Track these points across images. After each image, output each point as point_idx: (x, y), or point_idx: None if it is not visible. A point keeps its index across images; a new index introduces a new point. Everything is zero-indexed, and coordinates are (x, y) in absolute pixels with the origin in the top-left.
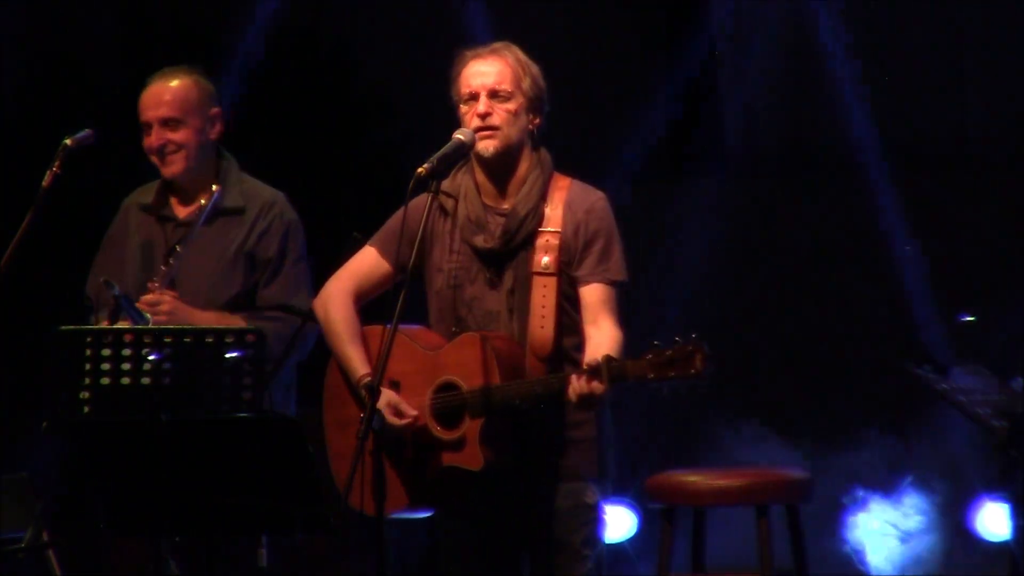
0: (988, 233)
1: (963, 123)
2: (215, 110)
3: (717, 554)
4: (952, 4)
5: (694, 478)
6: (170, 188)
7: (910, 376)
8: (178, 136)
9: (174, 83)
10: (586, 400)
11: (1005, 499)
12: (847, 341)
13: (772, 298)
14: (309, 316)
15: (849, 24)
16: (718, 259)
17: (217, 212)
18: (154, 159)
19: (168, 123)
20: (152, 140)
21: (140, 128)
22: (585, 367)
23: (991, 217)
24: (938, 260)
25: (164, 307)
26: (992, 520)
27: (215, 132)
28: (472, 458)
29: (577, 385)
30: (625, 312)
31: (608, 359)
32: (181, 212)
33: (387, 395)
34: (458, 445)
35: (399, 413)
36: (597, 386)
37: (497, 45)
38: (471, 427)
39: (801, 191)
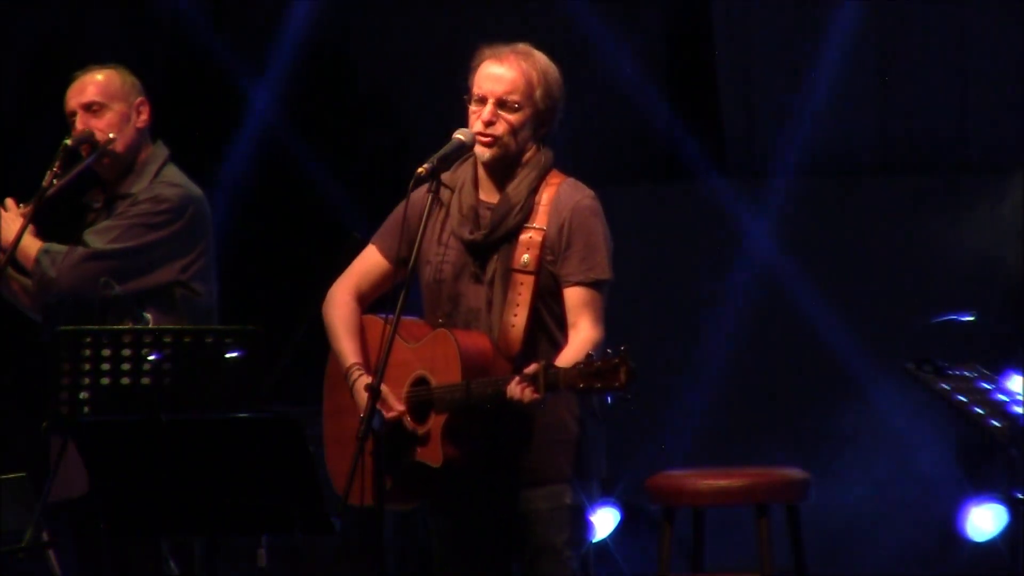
0: (988, 234)
1: (963, 126)
2: (140, 99)
3: (717, 554)
4: (954, 8)
5: (694, 478)
6: (97, 179)
7: (909, 376)
8: (101, 123)
9: (99, 75)
10: (518, 405)
11: (1001, 500)
12: (846, 341)
13: (772, 298)
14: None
15: (851, 26)
16: (717, 259)
17: (116, 197)
18: (84, 148)
19: (91, 108)
20: (78, 126)
21: (67, 124)
22: (524, 374)
23: (991, 218)
24: (938, 260)
25: None
26: (982, 521)
27: (141, 121)
28: (433, 454)
29: (513, 390)
30: (607, 311)
31: (545, 367)
32: (99, 201)
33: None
34: (424, 440)
35: (387, 406)
36: (529, 393)
37: (520, 47)
38: (436, 423)
39: (801, 192)
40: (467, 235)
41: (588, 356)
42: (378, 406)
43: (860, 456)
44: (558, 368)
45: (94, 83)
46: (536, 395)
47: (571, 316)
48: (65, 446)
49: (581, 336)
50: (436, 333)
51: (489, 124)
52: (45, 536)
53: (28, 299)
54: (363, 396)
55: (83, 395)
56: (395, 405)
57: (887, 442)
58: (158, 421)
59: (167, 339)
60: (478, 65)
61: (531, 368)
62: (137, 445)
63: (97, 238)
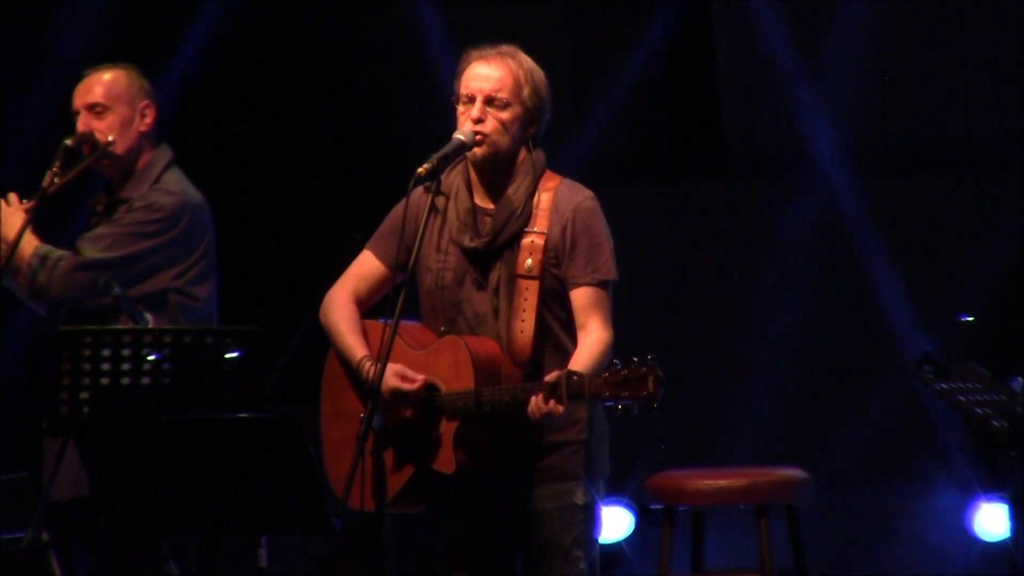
0: (988, 234)
1: (966, 126)
2: (145, 103)
3: (717, 554)
4: (956, 7)
5: (694, 478)
6: (104, 180)
7: (910, 376)
8: (102, 124)
9: (106, 75)
10: (543, 416)
11: (1004, 499)
12: (848, 340)
13: (773, 297)
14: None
15: (853, 25)
16: (717, 258)
17: (117, 201)
18: (85, 148)
19: (94, 109)
20: (79, 126)
21: (74, 121)
22: (546, 383)
23: (992, 219)
24: (938, 260)
25: None
26: (991, 520)
27: (145, 124)
28: (445, 461)
29: (536, 405)
30: (614, 310)
31: (568, 375)
32: (102, 203)
33: (391, 366)
34: (435, 447)
35: (407, 379)
36: (554, 405)
37: (505, 48)
38: (447, 429)
39: (802, 192)
40: (467, 242)
41: (614, 364)
42: (399, 382)
43: (860, 456)
44: (582, 376)
45: (100, 83)
46: (560, 407)
47: (580, 317)
48: (65, 446)
49: (592, 337)
50: (446, 339)
51: (478, 122)
52: (45, 536)
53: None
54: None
55: (83, 395)
56: (414, 376)
57: (887, 442)
58: (158, 421)
59: (167, 339)
60: (465, 67)
61: (552, 376)
62: (137, 445)
63: (90, 246)
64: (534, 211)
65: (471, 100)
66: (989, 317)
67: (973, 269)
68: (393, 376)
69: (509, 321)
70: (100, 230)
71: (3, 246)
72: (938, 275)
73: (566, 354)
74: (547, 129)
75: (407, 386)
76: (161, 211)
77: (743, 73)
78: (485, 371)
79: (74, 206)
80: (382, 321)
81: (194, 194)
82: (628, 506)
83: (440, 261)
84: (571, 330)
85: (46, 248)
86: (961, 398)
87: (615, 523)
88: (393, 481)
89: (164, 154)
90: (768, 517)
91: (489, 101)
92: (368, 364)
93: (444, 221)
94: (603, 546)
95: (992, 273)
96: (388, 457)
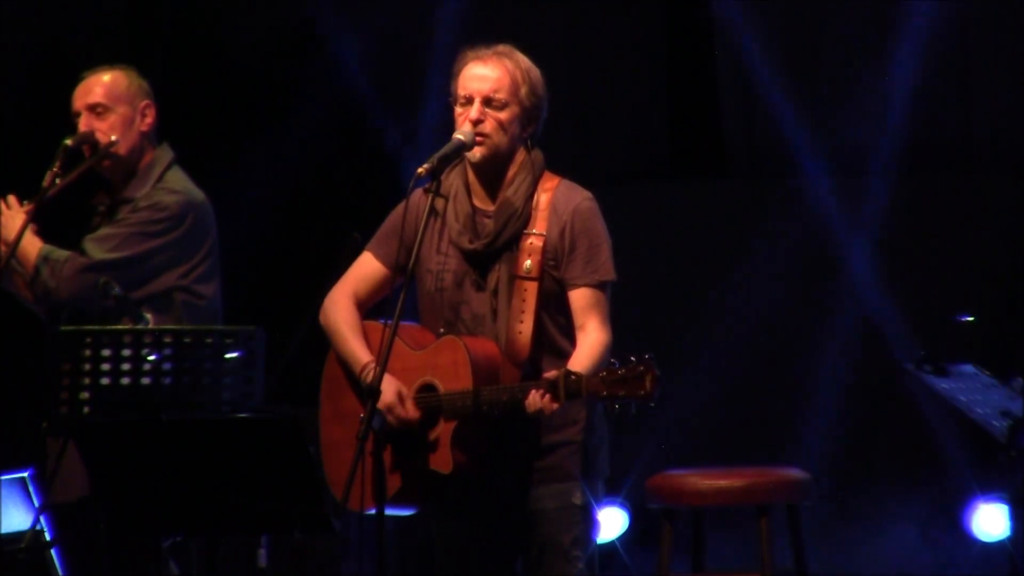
0: (989, 234)
1: (968, 127)
2: (145, 102)
3: (717, 554)
4: (956, 8)
5: (694, 478)
6: (103, 181)
7: (910, 376)
8: (104, 125)
9: (106, 76)
10: (539, 413)
11: (1004, 499)
12: (848, 340)
13: (773, 298)
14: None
15: (852, 26)
16: (716, 259)
17: (120, 201)
18: (85, 149)
19: (95, 110)
20: (80, 127)
21: (73, 123)
22: (544, 381)
23: (992, 219)
24: (939, 260)
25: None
26: (990, 520)
27: (145, 124)
28: (443, 461)
29: (533, 399)
30: (613, 310)
31: (566, 374)
32: (104, 204)
33: (394, 383)
34: (433, 447)
35: (405, 409)
36: (548, 404)
37: (501, 48)
38: (444, 430)
39: (801, 192)
40: (467, 244)
41: (612, 363)
42: (396, 410)
43: (860, 456)
44: (580, 375)
45: (100, 84)
46: (556, 404)
47: (578, 318)
48: (65, 446)
49: (591, 338)
50: (445, 340)
51: (477, 123)
52: (45, 536)
53: (31, 293)
54: (383, 391)
55: (83, 395)
56: (411, 410)
57: (887, 442)
58: (158, 421)
59: (167, 339)
60: (461, 68)
61: (551, 374)
62: (137, 445)
63: (97, 247)
64: (533, 212)
65: (469, 101)
66: (989, 317)
67: (973, 269)
68: (393, 394)
69: (508, 322)
70: (106, 231)
71: (3, 248)
72: (938, 275)
73: (564, 356)
74: (546, 129)
75: (401, 412)
76: (167, 210)
77: (742, 73)
78: (484, 371)
79: (79, 207)
80: (382, 322)
81: (197, 193)
82: (622, 506)
83: (440, 263)
84: (569, 333)
85: (48, 248)
86: (961, 398)
87: (610, 523)
88: (391, 481)
89: (166, 154)
90: (768, 517)
91: (487, 102)
92: (371, 372)
93: (443, 223)
94: (598, 546)
95: (992, 273)
96: (386, 457)
